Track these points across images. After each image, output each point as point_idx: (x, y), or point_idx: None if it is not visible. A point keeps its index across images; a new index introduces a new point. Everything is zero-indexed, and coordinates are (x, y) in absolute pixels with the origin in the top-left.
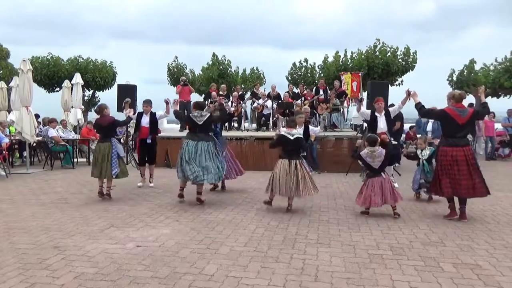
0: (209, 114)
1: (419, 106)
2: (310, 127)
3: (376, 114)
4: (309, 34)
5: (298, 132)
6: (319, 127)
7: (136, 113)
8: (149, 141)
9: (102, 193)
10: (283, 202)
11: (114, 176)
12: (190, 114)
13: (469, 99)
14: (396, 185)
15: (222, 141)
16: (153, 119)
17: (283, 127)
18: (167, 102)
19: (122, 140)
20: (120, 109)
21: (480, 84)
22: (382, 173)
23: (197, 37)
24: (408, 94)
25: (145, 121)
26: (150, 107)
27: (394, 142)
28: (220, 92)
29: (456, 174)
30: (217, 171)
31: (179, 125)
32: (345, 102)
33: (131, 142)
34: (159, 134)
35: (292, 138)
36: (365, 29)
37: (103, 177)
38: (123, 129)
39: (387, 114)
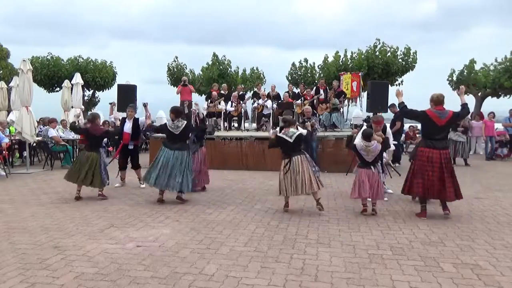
0: (185, 123)
1: (401, 106)
2: (299, 128)
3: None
4: (310, 34)
5: (294, 131)
6: (305, 130)
7: (121, 118)
8: (131, 147)
9: (79, 198)
10: (283, 203)
11: (105, 184)
12: (167, 124)
13: (469, 99)
14: (389, 191)
15: (194, 147)
16: (136, 125)
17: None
18: (145, 105)
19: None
20: (120, 109)
21: (480, 84)
22: (372, 167)
23: (198, 37)
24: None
25: (127, 126)
26: (134, 113)
27: (394, 142)
28: (221, 92)
29: (430, 176)
30: (182, 183)
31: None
32: (344, 102)
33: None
34: (155, 135)
35: (291, 140)
36: (366, 29)
37: (85, 184)
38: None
39: (383, 133)
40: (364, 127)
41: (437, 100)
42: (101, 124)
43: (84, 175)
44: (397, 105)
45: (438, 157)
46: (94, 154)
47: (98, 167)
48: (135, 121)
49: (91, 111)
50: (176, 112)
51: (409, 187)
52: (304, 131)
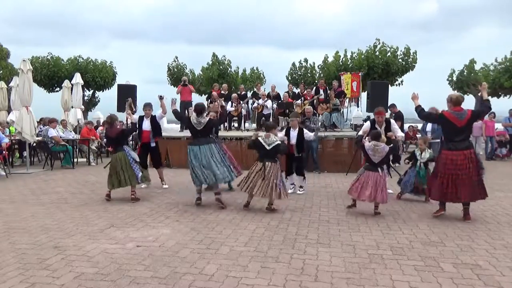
0: (208, 118)
1: (418, 109)
2: (305, 131)
3: (376, 126)
4: (310, 34)
5: (275, 139)
6: (313, 133)
7: (138, 117)
8: (153, 144)
9: (110, 198)
10: (284, 203)
11: (139, 181)
12: (190, 120)
13: (469, 99)
14: (390, 191)
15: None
16: (155, 122)
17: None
18: (161, 98)
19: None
20: (120, 109)
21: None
22: (379, 169)
23: (198, 37)
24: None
25: (146, 124)
26: (151, 111)
27: (401, 134)
28: (222, 92)
29: (453, 179)
30: (225, 171)
31: (179, 125)
32: (344, 102)
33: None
34: (165, 135)
35: (268, 148)
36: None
37: (125, 185)
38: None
39: (387, 128)
40: (368, 122)
41: (456, 101)
42: (101, 123)
43: (118, 177)
44: (414, 109)
45: (463, 158)
46: (120, 153)
47: (129, 164)
48: (153, 118)
49: (91, 111)
50: (197, 110)
51: (432, 192)
52: (284, 140)
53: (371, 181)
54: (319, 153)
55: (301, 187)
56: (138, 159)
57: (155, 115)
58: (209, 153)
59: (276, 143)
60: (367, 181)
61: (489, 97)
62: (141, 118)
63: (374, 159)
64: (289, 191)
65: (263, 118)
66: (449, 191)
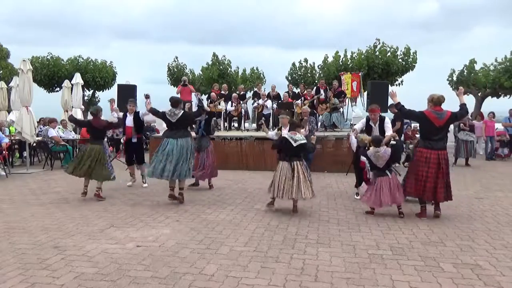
0: (182, 111)
1: (399, 107)
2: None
3: (371, 123)
4: (310, 34)
5: (301, 137)
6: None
7: (122, 114)
8: (134, 140)
9: (86, 194)
10: (284, 203)
11: (111, 178)
12: (165, 112)
13: (469, 99)
14: (357, 197)
15: (204, 142)
16: (137, 119)
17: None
18: (146, 96)
19: (122, 140)
20: (120, 109)
21: (479, 84)
22: (388, 172)
23: (198, 37)
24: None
25: (129, 120)
26: (134, 107)
27: (392, 142)
28: (222, 92)
29: (424, 176)
30: (186, 170)
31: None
32: (343, 102)
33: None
34: (158, 134)
35: (294, 144)
36: (366, 29)
37: (92, 178)
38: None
39: (381, 125)
40: (364, 119)
41: (437, 101)
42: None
43: (88, 166)
44: (394, 106)
45: (436, 158)
46: (98, 146)
47: (103, 159)
48: (136, 114)
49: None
50: (172, 102)
51: (407, 188)
52: (278, 136)
53: (385, 187)
54: (319, 153)
55: None
56: (111, 156)
57: (138, 111)
58: (184, 148)
59: (303, 141)
60: (382, 190)
61: (489, 97)
62: (124, 115)
63: (378, 164)
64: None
65: (263, 118)
66: (420, 188)
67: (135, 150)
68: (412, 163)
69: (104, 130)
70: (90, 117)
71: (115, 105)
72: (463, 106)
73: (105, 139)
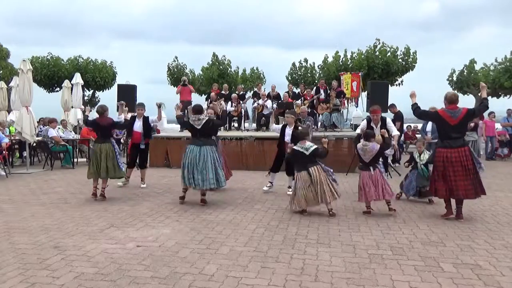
0: (207, 117)
1: (414, 107)
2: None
3: (372, 125)
4: (310, 35)
5: (311, 144)
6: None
7: (130, 117)
8: (142, 146)
9: (97, 195)
10: (284, 202)
11: (123, 175)
12: (189, 119)
13: (469, 99)
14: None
15: (218, 145)
16: (147, 124)
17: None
18: (158, 106)
19: (122, 140)
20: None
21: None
22: (371, 167)
23: (198, 37)
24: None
25: (138, 125)
26: (143, 111)
27: (397, 133)
28: (222, 92)
29: (451, 176)
30: (216, 177)
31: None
32: (344, 102)
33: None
34: (158, 134)
35: (307, 153)
36: (366, 29)
37: (108, 177)
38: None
39: (383, 126)
40: (365, 121)
41: (450, 99)
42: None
43: (106, 167)
44: (410, 106)
45: (457, 156)
46: (108, 144)
47: (115, 157)
48: (145, 119)
49: (91, 111)
50: (195, 110)
51: (434, 189)
52: (277, 130)
53: (367, 180)
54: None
55: (289, 187)
56: (121, 153)
57: (147, 116)
58: (209, 156)
59: (314, 147)
60: (366, 182)
61: (489, 97)
62: (133, 118)
63: (365, 159)
64: (265, 188)
65: (263, 118)
66: (449, 188)
67: (140, 155)
68: (434, 165)
69: (111, 128)
70: (95, 115)
71: (125, 109)
72: (483, 101)
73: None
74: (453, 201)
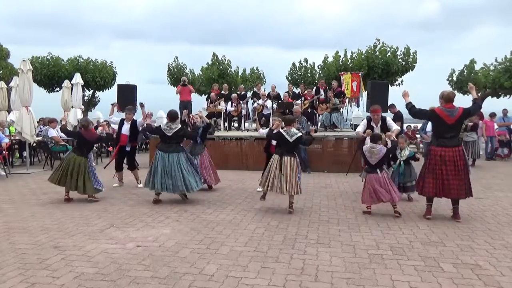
0: (179, 126)
1: (409, 106)
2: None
3: (372, 124)
4: (310, 35)
5: (296, 132)
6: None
7: (119, 120)
8: (128, 149)
9: (69, 200)
10: (284, 202)
11: (100, 189)
12: (161, 126)
13: (469, 99)
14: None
15: (198, 148)
16: (134, 128)
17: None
18: (142, 105)
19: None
20: (120, 109)
21: (479, 84)
22: (378, 170)
23: (198, 37)
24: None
25: (125, 128)
26: (131, 115)
27: (397, 128)
28: (222, 92)
29: (444, 175)
30: (184, 183)
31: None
32: (344, 102)
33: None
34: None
35: (290, 140)
36: (366, 29)
37: (82, 192)
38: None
39: (383, 125)
40: (365, 120)
41: (447, 98)
42: (101, 123)
43: (75, 180)
44: (405, 106)
45: (451, 155)
46: (83, 159)
47: (88, 173)
48: (133, 123)
49: (91, 111)
50: (171, 116)
51: (421, 187)
52: (263, 135)
53: (376, 183)
54: (319, 153)
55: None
56: (95, 169)
57: (136, 120)
58: (176, 162)
59: (299, 135)
60: (373, 185)
61: (489, 97)
62: (122, 121)
63: (371, 161)
64: (259, 189)
65: (263, 118)
66: (439, 187)
67: (128, 156)
68: (426, 163)
69: (93, 144)
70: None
71: (116, 110)
72: (475, 101)
73: (91, 152)
74: (449, 202)
